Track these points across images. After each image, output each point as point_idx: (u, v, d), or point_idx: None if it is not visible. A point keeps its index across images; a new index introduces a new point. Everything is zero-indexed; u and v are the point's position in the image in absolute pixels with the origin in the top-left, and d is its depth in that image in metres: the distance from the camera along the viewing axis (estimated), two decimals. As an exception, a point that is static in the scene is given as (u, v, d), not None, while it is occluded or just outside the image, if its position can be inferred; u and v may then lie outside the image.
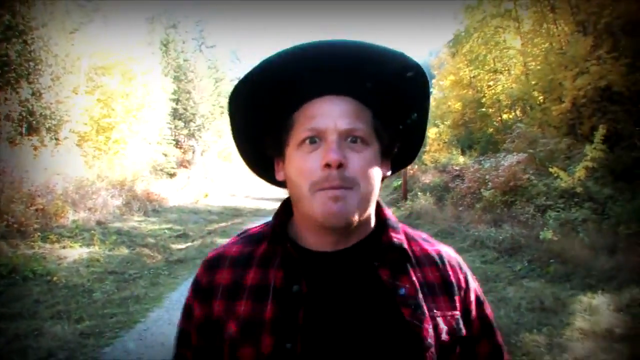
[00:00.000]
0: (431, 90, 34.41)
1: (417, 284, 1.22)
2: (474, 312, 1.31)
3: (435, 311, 1.22)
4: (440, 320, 1.21)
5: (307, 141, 1.18)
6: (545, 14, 17.30)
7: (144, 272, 8.75)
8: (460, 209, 13.68)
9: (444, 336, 1.20)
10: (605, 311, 5.79)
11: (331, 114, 1.19)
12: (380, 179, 1.24)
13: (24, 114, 14.66)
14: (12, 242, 9.08)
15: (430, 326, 1.18)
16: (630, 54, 12.72)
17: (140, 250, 10.41)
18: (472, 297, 1.32)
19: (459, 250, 8.72)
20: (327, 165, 1.14)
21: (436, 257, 1.32)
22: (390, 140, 1.27)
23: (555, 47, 16.54)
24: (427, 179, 18.99)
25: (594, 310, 5.82)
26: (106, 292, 7.34)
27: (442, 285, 1.27)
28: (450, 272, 1.30)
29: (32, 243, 9.48)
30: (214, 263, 1.28)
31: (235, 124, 1.31)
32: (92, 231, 11.20)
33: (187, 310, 1.28)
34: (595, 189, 10.71)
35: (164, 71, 27.77)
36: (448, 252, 1.36)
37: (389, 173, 1.30)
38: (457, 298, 1.27)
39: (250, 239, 1.31)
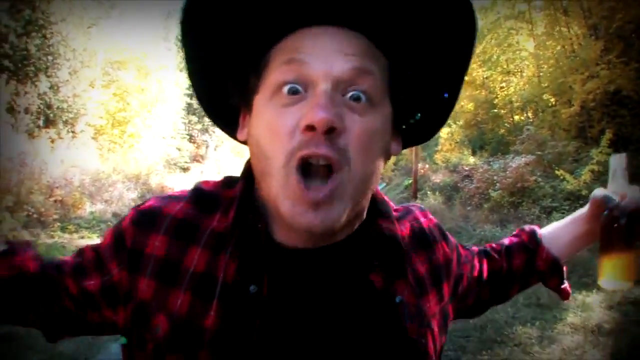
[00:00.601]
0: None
1: (415, 288, 0.96)
2: (461, 274, 1.11)
3: (428, 315, 0.97)
4: (433, 322, 0.97)
5: (285, 89, 0.81)
6: (558, 16, 17.39)
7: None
8: (469, 208, 13.84)
9: (437, 338, 0.97)
10: (597, 308, 6.07)
11: (326, 52, 0.81)
12: (385, 157, 0.90)
13: (41, 107, 14.95)
14: (33, 232, 9.40)
15: (432, 337, 0.95)
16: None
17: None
18: (455, 261, 1.09)
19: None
20: (310, 128, 0.77)
21: (423, 237, 1.03)
22: (409, 101, 0.91)
23: (567, 49, 16.66)
24: (438, 178, 19.12)
25: (586, 307, 6.10)
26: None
27: (430, 275, 1.01)
28: (437, 250, 1.04)
29: (52, 233, 9.82)
30: (146, 219, 0.91)
31: (188, 54, 0.92)
32: (109, 223, 11.52)
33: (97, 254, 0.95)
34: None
35: (179, 66, 28.04)
36: (427, 222, 1.08)
37: (398, 149, 0.95)
38: (444, 285, 1.03)
39: (201, 199, 0.94)
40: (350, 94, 0.80)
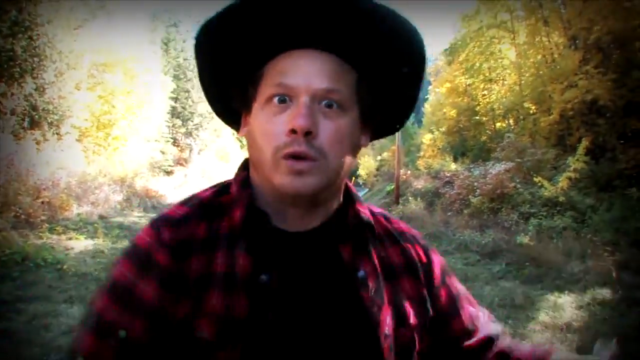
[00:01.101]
0: (427, 96, 34.63)
1: (378, 266, 1.14)
2: (440, 289, 1.25)
3: (399, 295, 1.15)
4: (406, 304, 1.14)
5: (275, 99, 1.04)
6: (539, 27, 17.69)
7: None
8: (449, 214, 14.08)
9: (412, 319, 1.13)
10: (568, 308, 6.37)
11: (306, 71, 1.05)
12: (355, 150, 1.11)
13: (27, 108, 14.97)
14: (22, 232, 9.50)
15: (390, 316, 1.10)
16: (618, 69, 13.15)
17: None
18: (437, 272, 1.25)
19: (444, 253, 9.31)
20: (293, 131, 1.01)
21: (397, 235, 1.23)
22: (374, 104, 1.13)
23: (547, 59, 16.98)
24: (420, 184, 19.36)
25: (558, 307, 6.38)
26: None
27: (404, 265, 1.19)
28: (411, 249, 1.22)
29: (41, 234, 9.91)
30: (181, 248, 1.04)
31: (201, 68, 1.16)
32: (95, 224, 11.63)
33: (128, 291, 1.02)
34: (578, 198, 11.17)
35: (164, 70, 28.05)
36: (408, 228, 1.29)
37: (367, 142, 1.17)
38: (421, 275, 1.20)
39: (207, 210, 1.11)
40: (324, 102, 1.03)
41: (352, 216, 1.14)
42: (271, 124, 1.03)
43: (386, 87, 1.14)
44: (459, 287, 1.31)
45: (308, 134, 1.00)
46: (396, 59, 1.11)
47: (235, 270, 1.02)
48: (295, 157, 1.01)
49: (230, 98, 1.16)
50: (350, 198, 1.18)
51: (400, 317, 1.12)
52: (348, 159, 1.08)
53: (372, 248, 1.15)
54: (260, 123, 1.05)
